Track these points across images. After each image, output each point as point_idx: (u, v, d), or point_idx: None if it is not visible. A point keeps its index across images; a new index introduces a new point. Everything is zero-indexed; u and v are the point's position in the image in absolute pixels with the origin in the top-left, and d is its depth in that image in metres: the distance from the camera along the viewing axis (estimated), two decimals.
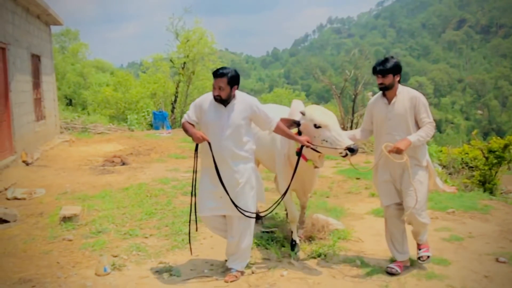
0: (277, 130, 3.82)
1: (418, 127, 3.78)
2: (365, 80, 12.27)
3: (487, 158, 8.63)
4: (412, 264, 4.01)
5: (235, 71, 3.69)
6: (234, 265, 3.85)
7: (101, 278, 3.76)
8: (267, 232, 4.90)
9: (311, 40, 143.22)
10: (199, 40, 21.37)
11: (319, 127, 3.77)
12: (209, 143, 3.67)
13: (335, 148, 3.70)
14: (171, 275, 3.85)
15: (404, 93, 3.78)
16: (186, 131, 3.76)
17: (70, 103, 25.26)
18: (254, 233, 4.69)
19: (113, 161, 9.14)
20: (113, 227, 5.02)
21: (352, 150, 3.62)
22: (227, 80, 3.59)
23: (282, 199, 4.12)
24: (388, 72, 3.73)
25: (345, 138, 3.72)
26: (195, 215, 3.89)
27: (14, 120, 8.57)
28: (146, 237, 4.74)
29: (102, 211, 5.56)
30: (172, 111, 21.11)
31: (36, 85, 10.93)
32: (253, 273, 3.91)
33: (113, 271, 3.89)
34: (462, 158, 9.80)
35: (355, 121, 11.81)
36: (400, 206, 3.93)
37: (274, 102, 20.63)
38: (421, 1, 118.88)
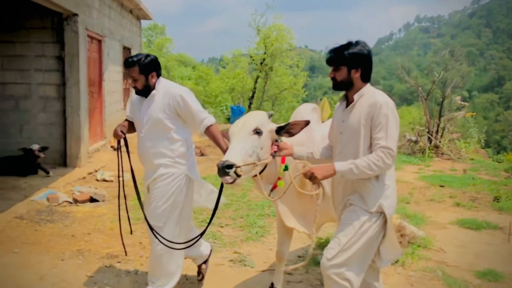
0: (208, 133, 3.07)
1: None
2: (455, 83, 11.52)
3: None
4: None
5: (148, 55, 3.13)
6: None
7: None
8: None
9: (396, 39, 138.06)
10: (278, 37, 21.48)
11: None
12: (125, 141, 3.23)
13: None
14: (245, 265, 3.91)
15: (368, 98, 2.47)
16: None
17: None
18: (330, 233, 4.64)
19: None
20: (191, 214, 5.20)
21: (218, 169, 2.51)
22: (139, 69, 3.05)
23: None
24: (340, 63, 2.49)
25: (228, 153, 2.57)
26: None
27: (105, 107, 9.24)
28: (221, 227, 4.87)
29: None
30: (249, 107, 21.46)
31: (125, 75, 11.68)
32: None
33: None
34: None
35: (441, 125, 11.15)
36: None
37: None
38: None
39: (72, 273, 3.56)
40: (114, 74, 10.11)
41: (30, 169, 6.69)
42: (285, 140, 2.77)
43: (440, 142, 10.88)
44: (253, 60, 22.35)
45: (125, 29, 11.36)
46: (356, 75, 2.49)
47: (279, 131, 2.71)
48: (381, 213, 2.45)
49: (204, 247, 3.54)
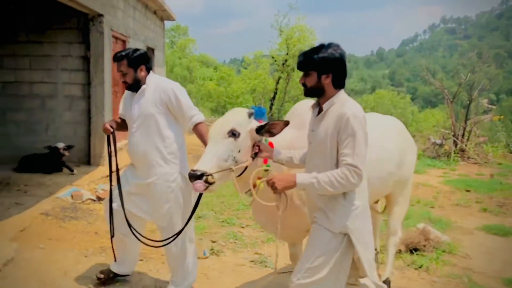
0: (196, 131, 3.03)
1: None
2: (482, 86, 11.25)
3: None
4: None
5: (137, 49, 3.12)
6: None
7: (201, 260, 3.92)
8: None
9: (421, 40, 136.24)
10: (300, 37, 21.40)
11: None
12: (114, 136, 3.16)
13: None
14: (265, 266, 3.89)
15: (337, 108, 2.26)
16: None
17: None
18: None
19: None
20: (212, 214, 5.22)
21: (189, 178, 2.36)
22: (127, 62, 3.01)
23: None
24: (310, 68, 2.29)
25: (201, 160, 2.40)
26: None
27: None
28: (242, 227, 4.87)
29: (203, 198, 5.80)
30: (271, 108, 21.45)
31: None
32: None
33: (211, 256, 4.06)
34: None
35: (467, 128, 10.90)
36: None
37: (375, 104, 19.96)
38: None
39: (95, 269, 3.60)
40: None
41: (55, 166, 6.82)
42: (272, 139, 2.58)
43: (466, 145, 10.65)
44: (275, 61, 22.33)
45: (149, 29, 11.50)
46: (326, 81, 2.28)
47: (260, 130, 2.50)
48: (346, 235, 2.24)
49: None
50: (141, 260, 3.91)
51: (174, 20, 14.09)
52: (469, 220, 5.59)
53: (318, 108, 2.36)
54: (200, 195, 2.82)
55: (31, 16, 7.52)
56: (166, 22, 14.14)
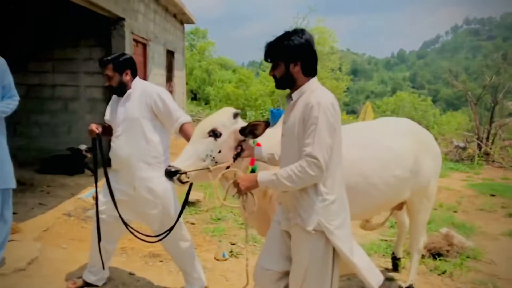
0: (182, 132, 3.02)
1: None
2: (508, 88, 10.97)
3: None
4: None
5: (123, 54, 3.16)
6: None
7: (220, 262, 3.92)
8: (386, 240, 4.65)
9: (443, 41, 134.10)
10: (320, 39, 21.26)
11: None
12: (100, 139, 3.15)
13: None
14: None
15: (306, 96, 2.14)
16: None
17: (195, 97, 27.12)
18: (371, 241, 4.52)
19: None
20: (231, 216, 5.21)
21: (165, 174, 2.34)
22: (113, 66, 3.04)
23: None
24: (277, 58, 2.19)
25: (179, 158, 2.37)
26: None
27: None
28: None
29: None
30: None
31: (169, 78, 11.93)
32: None
33: (231, 258, 4.05)
34: None
35: (492, 131, 10.64)
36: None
37: (396, 107, 19.69)
38: None
39: (116, 270, 3.64)
40: (158, 77, 10.34)
41: (77, 168, 6.93)
42: (260, 141, 2.48)
43: (491, 149, 10.39)
44: None
45: (169, 33, 11.61)
46: (295, 70, 2.16)
47: (243, 131, 2.41)
48: (322, 232, 2.12)
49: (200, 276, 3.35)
50: (161, 261, 3.94)
51: (194, 23, 14.20)
52: (494, 225, 5.43)
53: (290, 100, 2.24)
54: (188, 194, 2.87)
55: (55, 20, 7.67)
56: (185, 25, 14.27)
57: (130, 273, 3.67)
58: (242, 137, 2.42)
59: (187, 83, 22.79)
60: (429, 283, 3.74)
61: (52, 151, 7.28)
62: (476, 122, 10.78)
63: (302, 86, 2.18)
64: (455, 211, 5.99)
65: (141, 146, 3.01)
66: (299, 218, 2.16)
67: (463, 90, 11.88)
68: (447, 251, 4.24)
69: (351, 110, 34.12)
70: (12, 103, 3.48)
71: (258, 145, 2.48)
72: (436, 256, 4.20)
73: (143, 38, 8.81)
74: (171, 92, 12.10)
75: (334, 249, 2.18)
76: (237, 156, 2.41)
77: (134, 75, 3.13)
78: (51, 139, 7.72)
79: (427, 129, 3.59)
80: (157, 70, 10.14)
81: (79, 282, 3.36)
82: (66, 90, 7.85)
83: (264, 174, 2.15)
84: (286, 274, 2.32)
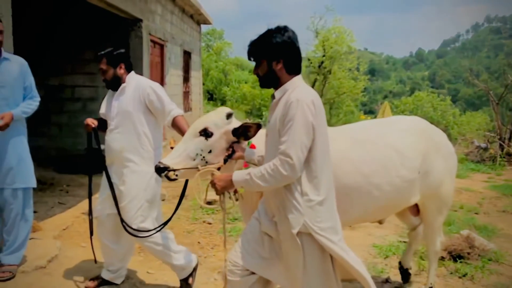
0: (175, 125, 3.03)
1: None
2: None
3: None
4: None
5: (117, 48, 3.19)
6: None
7: None
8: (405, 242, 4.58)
9: (463, 40, 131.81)
10: (337, 39, 21.10)
11: None
12: (96, 133, 3.18)
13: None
14: None
15: (289, 94, 2.07)
16: None
17: (211, 98, 27.24)
18: (390, 242, 4.45)
19: None
20: None
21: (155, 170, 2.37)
22: (107, 60, 3.11)
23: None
24: (259, 56, 2.16)
25: (169, 154, 2.39)
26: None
27: None
28: None
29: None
30: None
31: (186, 79, 11.99)
32: (387, 281, 3.67)
33: None
34: None
35: None
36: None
37: (414, 106, 19.38)
38: None
39: (134, 269, 3.67)
40: (175, 78, 10.41)
41: (96, 168, 7.00)
42: (255, 142, 2.41)
43: None
44: (311, 63, 22.13)
45: (186, 34, 11.68)
46: (278, 68, 2.11)
47: (235, 132, 2.37)
48: (310, 234, 2.03)
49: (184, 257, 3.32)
50: None
51: (210, 24, 14.27)
52: None
53: (274, 98, 2.17)
54: (184, 190, 2.88)
55: (75, 25, 7.79)
56: (202, 26, 14.34)
57: (148, 272, 3.69)
58: (234, 138, 2.39)
59: (203, 84, 22.93)
60: (450, 285, 3.67)
61: (71, 151, 7.39)
62: (498, 122, 10.55)
63: (285, 84, 2.12)
64: (476, 213, 5.86)
65: (134, 140, 3.06)
66: (285, 221, 2.06)
67: (484, 90, 11.63)
68: (468, 253, 4.15)
69: (369, 110, 33.77)
70: (33, 104, 3.54)
71: (253, 146, 2.41)
72: (457, 259, 4.12)
73: (160, 39, 8.88)
74: (187, 93, 12.17)
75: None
76: (228, 158, 2.38)
77: (128, 70, 3.18)
78: (71, 139, 7.85)
79: (446, 129, 3.48)
80: (174, 71, 10.21)
81: (98, 280, 3.40)
82: (85, 91, 7.96)
83: (238, 174, 2.10)
84: (253, 273, 2.27)
